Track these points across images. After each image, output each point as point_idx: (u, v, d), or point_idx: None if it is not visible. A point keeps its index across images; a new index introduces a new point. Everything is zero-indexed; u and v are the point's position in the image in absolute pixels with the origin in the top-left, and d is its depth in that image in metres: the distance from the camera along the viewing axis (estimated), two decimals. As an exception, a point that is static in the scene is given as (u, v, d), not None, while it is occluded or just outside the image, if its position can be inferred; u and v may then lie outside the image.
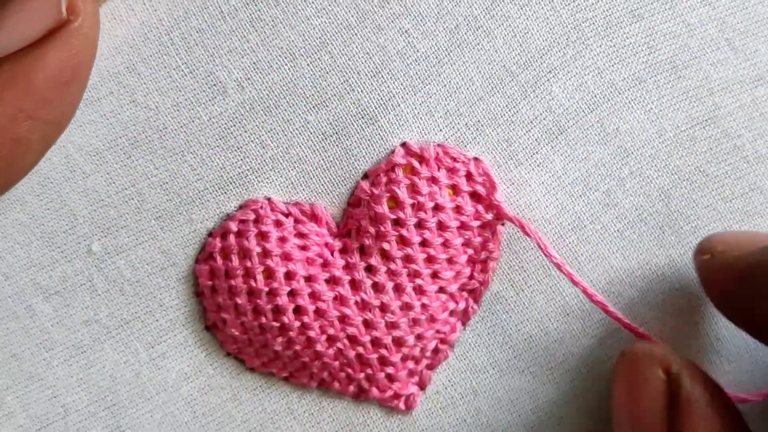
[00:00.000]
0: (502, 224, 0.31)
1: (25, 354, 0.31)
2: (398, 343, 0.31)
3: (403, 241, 0.30)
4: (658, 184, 0.32)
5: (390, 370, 0.31)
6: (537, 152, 0.32)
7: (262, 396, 0.32)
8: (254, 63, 0.30)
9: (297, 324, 0.30)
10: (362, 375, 0.31)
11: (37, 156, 0.28)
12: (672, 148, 0.32)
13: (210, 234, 0.31)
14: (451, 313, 0.32)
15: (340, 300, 0.31)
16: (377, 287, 0.31)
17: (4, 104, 0.26)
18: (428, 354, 0.32)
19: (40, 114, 0.27)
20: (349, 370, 0.31)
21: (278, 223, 0.31)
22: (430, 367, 0.32)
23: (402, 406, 0.32)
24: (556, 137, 0.32)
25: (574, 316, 0.32)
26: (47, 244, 0.30)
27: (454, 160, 0.31)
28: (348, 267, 0.31)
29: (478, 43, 0.31)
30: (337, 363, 0.31)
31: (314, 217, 0.31)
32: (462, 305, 0.32)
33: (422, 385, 0.32)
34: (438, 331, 0.32)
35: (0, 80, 0.26)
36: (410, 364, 0.32)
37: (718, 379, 0.31)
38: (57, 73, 0.27)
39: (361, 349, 0.31)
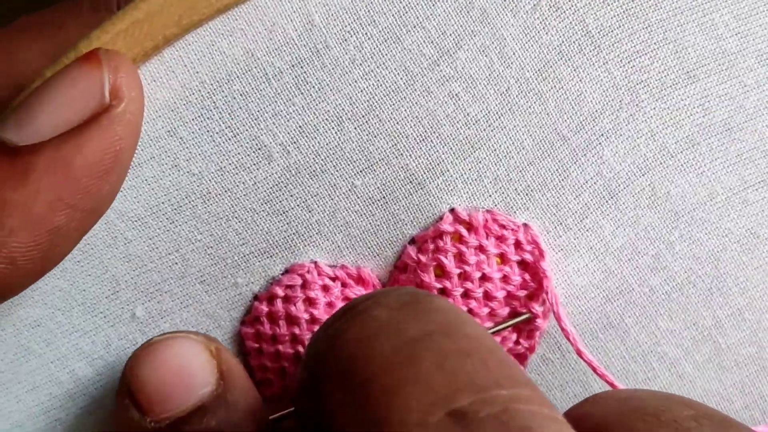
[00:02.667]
0: (546, 292, 0.31)
1: (69, 418, 0.31)
2: (445, 409, 0.31)
3: (450, 311, 0.30)
4: (707, 247, 0.32)
5: (435, 431, 0.31)
6: (586, 217, 0.31)
7: None
8: (300, 127, 0.29)
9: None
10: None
11: (72, 244, 0.27)
12: (723, 210, 0.32)
13: (256, 298, 0.31)
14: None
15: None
16: (424, 354, 0.31)
17: (42, 193, 0.25)
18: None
19: (78, 203, 0.26)
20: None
21: (325, 288, 0.30)
22: (475, 427, 0.32)
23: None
24: (606, 202, 0.31)
25: (618, 377, 0.32)
26: (89, 310, 0.30)
27: (503, 227, 0.30)
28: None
29: (530, 107, 0.30)
30: None
31: (361, 281, 0.31)
32: (508, 368, 0.32)
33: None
34: (484, 394, 0.32)
35: (39, 167, 0.25)
36: (455, 426, 0.32)
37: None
38: (98, 160, 0.26)
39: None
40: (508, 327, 0.31)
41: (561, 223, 0.31)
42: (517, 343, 0.31)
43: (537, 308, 0.31)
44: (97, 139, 0.25)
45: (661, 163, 0.31)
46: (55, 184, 0.25)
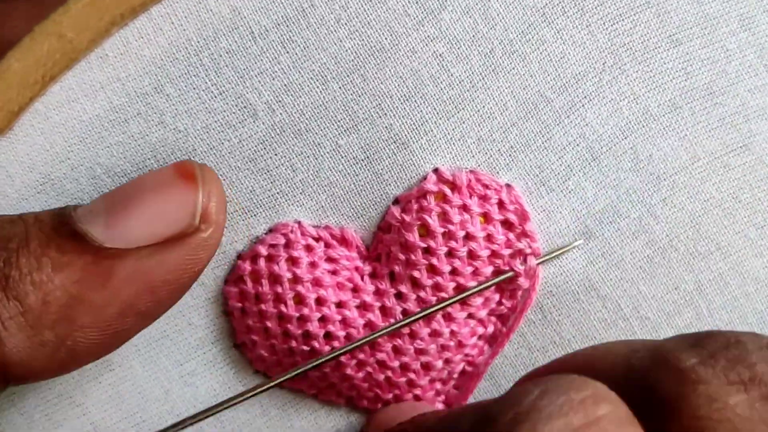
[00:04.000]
0: (533, 254, 0.31)
1: (54, 372, 0.31)
2: (426, 367, 0.31)
3: (433, 270, 0.30)
4: (689, 211, 0.32)
5: (417, 391, 0.32)
6: (569, 179, 0.31)
7: (290, 412, 0.33)
8: (285, 85, 0.30)
9: (327, 349, 0.30)
10: (390, 395, 0.32)
11: (128, 339, 0.27)
12: (705, 174, 0.32)
13: (239, 256, 0.31)
14: (480, 337, 0.32)
15: (370, 326, 0.31)
16: (407, 314, 0.31)
17: (117, 299, 0.26)
18: (455, 375, 0.32)
19: (149, 311, 0.26)
20: (378, 391, 0.32)
21: (308, 248, 0.31)
22: (457, 387, 0.32)
23: (428, 425, 0.33)
24: (589, 164, 0.31)
25: (599, 340, 0.32)
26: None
27: (486, 187, 0.31)
28: (378, 293, 0.31)
29: (513, 68, 0.30)
30: (365, 384, 0.31)
31: (344, 241, 0.31)
32: (491, 329, 0.32)
33: (449, 404, 0.33)
34: (466, 355, 0.32)
35: (121, 274, 0.25)
36: (438, 385, 0.32)
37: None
38: (177, 278, 0.26)
39: (389, 373, 0.31)
40: (492, 285, 0.31)
41: (544, 184, 0.31)
42: (499, 303, 0.32)
43: (519, 267, 0.31)
44: (182, 259, 0.26)
45: (643, 126, 0.31)
46: (133, 293, 0.26)
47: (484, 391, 0.33)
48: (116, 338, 0.27)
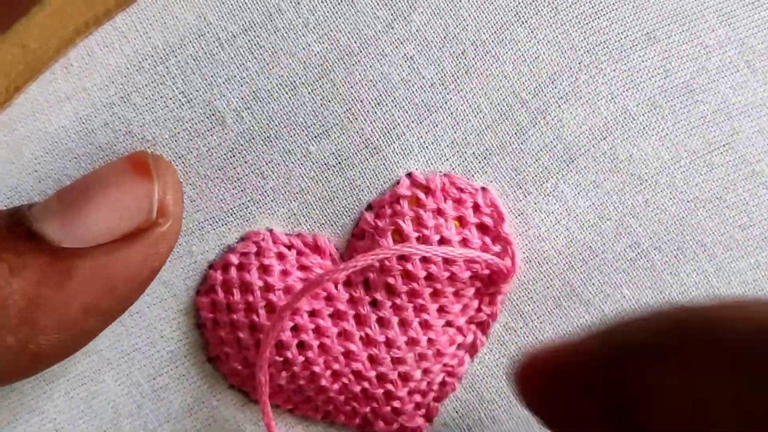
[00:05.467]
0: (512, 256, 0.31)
1: (25, 387, 0.30)
2: (404, 378, 0.30)
3: (408, 276, 0.30)
4: (673, 212, 0.31)
5: (396, 404, 0.31)
6: (546, 181, 0.31)
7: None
8: (253, 92, 0.29)
9: (301, 359, 0.30)
10: (368, 409, 0.31)
11: (91, 340, 0.27)
12: (688, 174, 0.31)
13: (211, 266, 0.30)
14: (459, 346, 0.31)
15: (344, 335, 0.30)
16: (382, 322, 0.30)
17: (80, 298, 0.25)
18: (435, 387, 0.31)
19: (111, 308, 0.26)
20: (355, 404, 0.31)
21: (280, 256, 0.30)
22: (437, 399, 0.32)
23: (408, 438, 0.32)
24: (567, 165, 0.31)
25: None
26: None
27: (461, 190, 0.30)
28: (352, 301, 0.30)
29: (486, 70, 0.30)
30: (342, 397, 0.31)
31: (317, 249, 0.30)
32: (470, 338, 0.31)
33: (429, 418, 0.32)
34: (445, 365, 0.31)
35: (81, 273, 0.25)
36: (417, 398, 0.31)
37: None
38: (137, 274, 0.26)
39: (366, 384, 0.30)
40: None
41: (520, 187, 0.31)
42: (479, 309, 0.31)
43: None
44: (141, 255, 0.26)
45: (622, 126, 0.31)
46: (95, 291, 0.25)
47: (466, 404, 0.32)
48: (79, 338, 0.26)
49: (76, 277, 0.25)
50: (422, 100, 0.30)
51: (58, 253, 0.25)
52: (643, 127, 0.31)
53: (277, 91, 0.29)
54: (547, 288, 0.31)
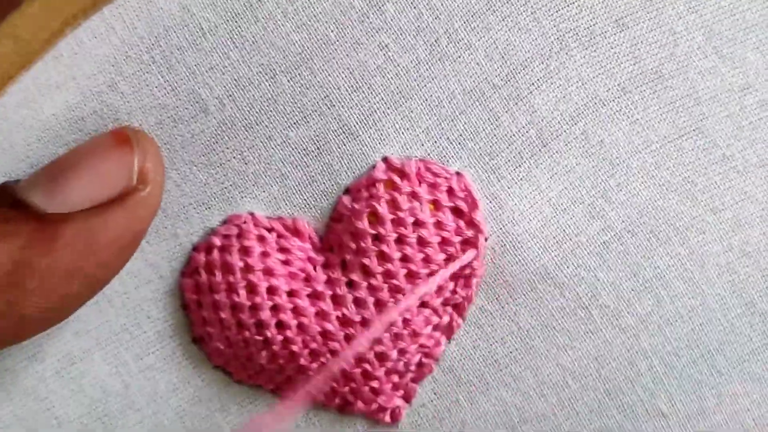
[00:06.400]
0: (486, 239, 0.31)
1: (18, 368, 0.31)
2: (381, 358, 0.31)
3: (383, 257, 0.30)
4: (645, 196, 0.32)
5: (374, 384, 0.32)
6: (520, 165, 0.31)
7: (250, 407, 0.33)
8: (235, 80, 0.30)
9: (280, 338, 0.31)
10: (346, 389, 0.32)
11: (78, 306, 0.28)
12: (659, 159, 0.32)
13: (195, 248, 0.31)
14: (435, 327, 0.32)
15: (321, 315, 0.31)
16: (359, 302, 0.31)
17: (62, 262, 0.26)
18: (412, 368, 0.32)
19: (95, 273, 0.27)
20: (333, 384, 0.32)
21: (261, 238, 0.31)
22: (415, 380, 0.32)
23: (387, 419, 0.32)
24: (539, 150, 0.31)
25: (558, 330, 0.32)
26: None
27: (436, 175, 0.31)
28: (330, 282, 0.31)
29: (459, 57, 0.31)
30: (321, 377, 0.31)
31: (297, 232, 0.31)
32: (446, 320, 0.32)
33: (407, 398, 0.32)
34: (422, 345, 0.32)
35: (65, 237, 0.26)
36: (395, 378, 0.32)
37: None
38: (119, 237, 0.27)
39: (343, 364, 0.31)
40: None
41: (494, 172, 0.31)
42: (454, 292, 0.31)
43: (470, 254, 0.31)
44: (122, 219, 0.27)
45: (593, 111, 0.31)
46: (78, 255, 0.27)
47: (444, 385, 0.32)
48: (64, 304, 0.27)
49: (60, 241, 0.26)
50: (397, 87, 0.30)
51: (43, 219, 0.26)
52: (614, 113, 0.31)
53: (257, 79, 0.30)
54: (522, 271, 0.32)
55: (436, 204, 0.31)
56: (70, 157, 0.28)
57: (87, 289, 0.28)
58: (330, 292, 0.31)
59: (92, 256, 0.27)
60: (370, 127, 0.31)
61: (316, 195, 0.31)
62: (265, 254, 0.31)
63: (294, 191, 0.31)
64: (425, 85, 0.31)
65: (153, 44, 0.30)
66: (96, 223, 0.26)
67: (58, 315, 0.28)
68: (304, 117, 0.31)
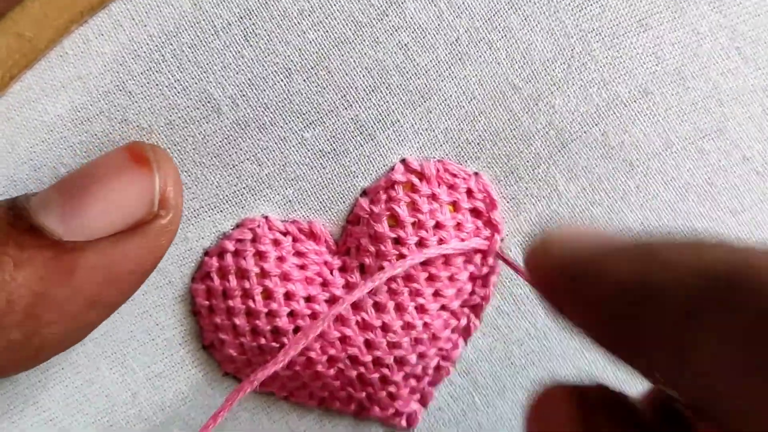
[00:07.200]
0: (502, 239, 0.31)
1: (20, 377, 0.30)
2: (400, 362, 0.31)
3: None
4: (664, 198, 0.32)
5: (392, 388, 0.31)
6: (538, 167, 0.31)
7: (261, 416, 0.32)
8: (249, 79, 0.29)
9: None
10: (363, 394, 0.31)
11: (92, 330, 0.27)
12: (679, 160, 0.31)
13: (206, 253, 0.30)
14: (453, 329, 0.31)
15: (340, 320, 0.30)
16: (378, 307, 0.30)
17: (81, 293, 0.25)
18: (430, 371, 0.31)
19: (114, 301, 0.26)
20: (350, 390, 0.31)
21: (276, 242, 0.30)
22: (432, 383, 0.32)
23: (404, 423, 0.32)
24: (559, 151, 0.31)
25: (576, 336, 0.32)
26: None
27: (455, 176, 0.30)
28: (348, 286, 0.30)
29: (480, 56, 0.30)
30: (337, 383, 0.31)
31: (312, 236, 0.31)
32: (464, 321, 0.31)
33: (424, 402, 0.32)
34: (440, 349, 0.31)
35: (84, 268, 0.25)
36: (412, 382, 0.31)
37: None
38: (139, 267, 0.26)
39: (362, 369, 0.30)
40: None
41: (513, 173, 0.31)
42: (472, 293, 0.31)
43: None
44: (143, 248, 0.26)
45: (614, 113, 0.31)
46: (97, 286, 0.25)
47: (460, 388, 0.32)
48: (81, 331, 0.26)
49: (80, 271, 0.25)
50: (416, 87, 0.30)
51: (60, 247, 0.25)
52: (635, 114, 0.31)
53: (272, 79, 0.29)
54: (541, 273, 0.31)
55: (455, 205, 0.30)
56: (84, 175, 0.26)
57: (105, 315, 0.26)
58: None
59: (111, 286, 0.25)
60: (388, 128, 0.30)
61: (332, 197, 0.30)
62: (280, 259, 0.30)
63: (309, 194, 0.30)
64: (445, 86, 0.30)
65: (163, 42, 0.29)
66: (116, 252, 0.25)
67: (73, 341, 0.27)
68: (320, 117, 0.30)
